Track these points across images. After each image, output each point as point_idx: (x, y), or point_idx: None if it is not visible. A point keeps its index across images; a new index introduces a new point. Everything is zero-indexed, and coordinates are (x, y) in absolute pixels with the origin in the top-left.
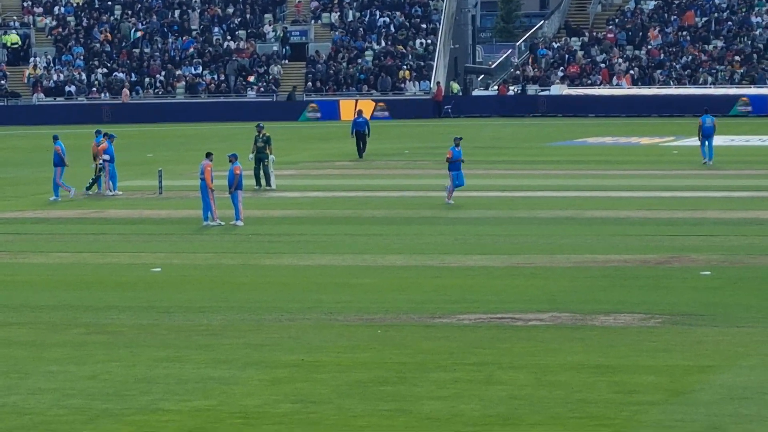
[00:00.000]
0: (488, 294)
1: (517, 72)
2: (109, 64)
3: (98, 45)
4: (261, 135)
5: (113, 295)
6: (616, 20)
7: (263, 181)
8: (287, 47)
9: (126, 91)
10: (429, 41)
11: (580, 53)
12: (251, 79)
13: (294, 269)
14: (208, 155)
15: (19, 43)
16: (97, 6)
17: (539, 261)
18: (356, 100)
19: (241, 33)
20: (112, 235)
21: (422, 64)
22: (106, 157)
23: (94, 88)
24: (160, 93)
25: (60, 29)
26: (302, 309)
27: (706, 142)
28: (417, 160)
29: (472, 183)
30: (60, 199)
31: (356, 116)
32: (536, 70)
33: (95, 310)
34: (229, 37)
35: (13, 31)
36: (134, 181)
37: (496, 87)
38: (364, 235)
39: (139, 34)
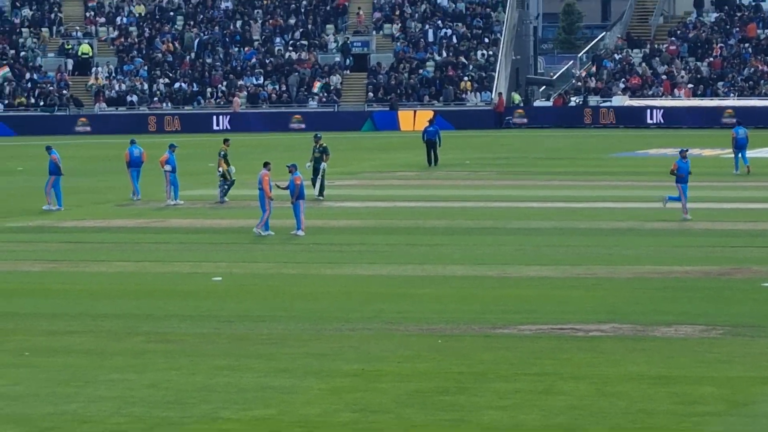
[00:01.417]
0: (549, 305)
1: (579, 83)
2: (171, 74)
3: (160, 55)
4: (318, 145)
5: (174, 304)
6: (678, 32)
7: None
8: (349, 58)
9: (237, 100)
10: (490, 52)
11: (641, 65)
12: (316, 86)
13: (355, 279)
14: (266, 165)
15: (90, 53)
16: (159, 16)
17: (600, 272)
18: (414, 111)
19: (303, 43)
20: (173, 244)
21: (483, 75)
22: (168, 167)
23: (156, 98)
24: (222, 103)
25: (122, 39)
26: (362, 319)
27: (740, 153)
28: (478, 170)
29: (532, 194)
30: (53, 208)
31: (427, 125)
32: (598, 81)
33: (155, 319)
34: (290, 48)
35: (86, 41)
36: (196, 191)
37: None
38: (425, 245)
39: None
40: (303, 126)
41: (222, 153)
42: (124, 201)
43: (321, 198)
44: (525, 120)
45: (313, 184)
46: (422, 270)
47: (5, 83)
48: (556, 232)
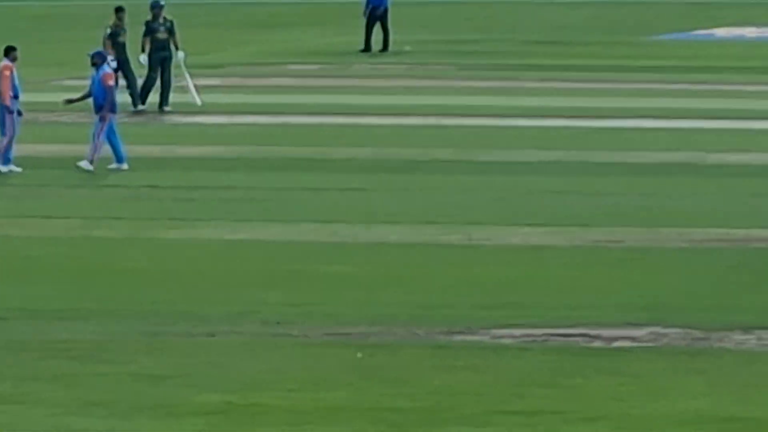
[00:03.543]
0: (546, 293)
1: None
2: None
3: None
4: (160, 20)
5: None
6: None
7: (161, 98)
8: None
9: None
10: None
11: None
12: None
13: (216, 247)
14: (9, 52)
15: None
16: None
17: (634, 238)
18: None
19: None
20: None
21: None
22: None
23: None
24: None
25: None
26: (229, 315)
27: None
28: (427, 62)
29: (520, 104)
30: None
31: None
32: None
33: None
34: None
35: None
36: None
37: None
38: (337, 190)
39: None
40: None
41: (109, 31)
42: None
43: (166, 108)
44: None
45: (147, 89)
46: (331, 233)
47: None
48: (561, 169)
